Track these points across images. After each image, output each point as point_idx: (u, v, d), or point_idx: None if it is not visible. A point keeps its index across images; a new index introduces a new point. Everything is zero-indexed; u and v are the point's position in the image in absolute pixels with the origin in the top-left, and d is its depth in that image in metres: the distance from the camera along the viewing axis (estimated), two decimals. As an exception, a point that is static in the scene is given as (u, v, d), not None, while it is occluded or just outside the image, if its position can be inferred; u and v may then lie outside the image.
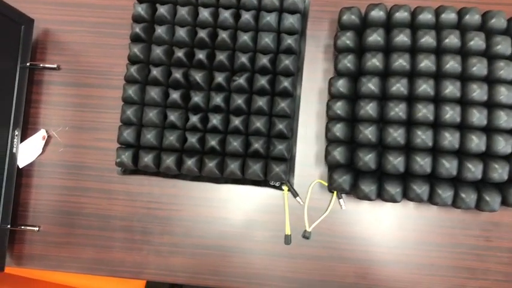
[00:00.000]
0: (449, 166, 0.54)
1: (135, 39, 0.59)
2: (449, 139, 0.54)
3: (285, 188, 0.60)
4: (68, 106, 0.63)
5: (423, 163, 0.54)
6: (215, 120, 0.57)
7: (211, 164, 0.56)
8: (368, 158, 0.55)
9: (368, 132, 0.55)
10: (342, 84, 0.57)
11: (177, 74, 0.58)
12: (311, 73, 0.62)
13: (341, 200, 0.60)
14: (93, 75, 0.62)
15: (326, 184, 0.60)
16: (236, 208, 0.61)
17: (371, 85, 0.56)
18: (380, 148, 0.56)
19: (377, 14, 0.57)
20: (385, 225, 0.59)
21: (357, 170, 0.57)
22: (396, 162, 0.54)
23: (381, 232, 0.59)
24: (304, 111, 0.62)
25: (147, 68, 0.59)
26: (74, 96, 0.62)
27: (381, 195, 0.55)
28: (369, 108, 0.55)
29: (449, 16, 0.57)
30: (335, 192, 0.59)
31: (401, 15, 0.57)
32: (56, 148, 0.62)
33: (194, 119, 0.58)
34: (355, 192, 0.56)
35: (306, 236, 0.60)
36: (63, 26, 0.65)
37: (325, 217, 0.60)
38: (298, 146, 0.61)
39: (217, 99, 0.58)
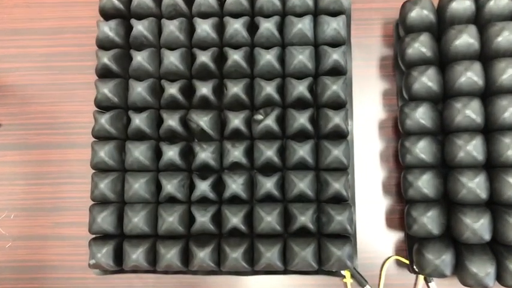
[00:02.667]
0: None
1: (103, 73, 0.40)
2: None
3: (346, 273, 0.40)
4: (14, 179, 0.44)
5: None
6: (235, 185, 0.38)
7: (235, 255, 0.37)
8: (479, 225, 0.35)
9: (475, 186, 0.36)
10: (422, 114, 0.37)
11: (172, 121, 0.38)
12: (363, 99, 0.43)
13: (432, 284, 0.40)
14: (48, 131, 0.45)
15: (406, 262, 0.40)
16: (277, 311, 0.41)
17: (471, 112, 0.36)
18: (485, 206, 0.37)
19: (461, 5, 0.38)
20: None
21: (459, 243, 0.37)
22: (524, 228, 0.35)
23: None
24: (359, 156, 0.42)
25: (125, 116, 0.40)
26: (22, 164, 0.44)
27: (502, 279, 0.36)
28: (472, 149, 0.36)
29: None
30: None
31: (499, 3, 0.38)
32: (2, 244, 0.42)
33: (203, 186, 0.38)
34: (459, 275, 0.37)
35: None
36: (1, 64, 0.45)
37: (410, 311, 0.40)
38: (357, 208, 0.41)
39: (235, 153, 0.38)
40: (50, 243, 0.43)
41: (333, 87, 0.38)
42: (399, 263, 0.41)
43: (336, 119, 0.38)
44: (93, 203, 0.39)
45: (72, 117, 0.44)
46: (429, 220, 0.37)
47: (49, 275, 0.42)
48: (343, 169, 0.38)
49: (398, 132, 0.41)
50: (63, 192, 0.43)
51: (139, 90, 0.39)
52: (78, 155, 0.44)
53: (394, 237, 0.41)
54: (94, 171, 0.40)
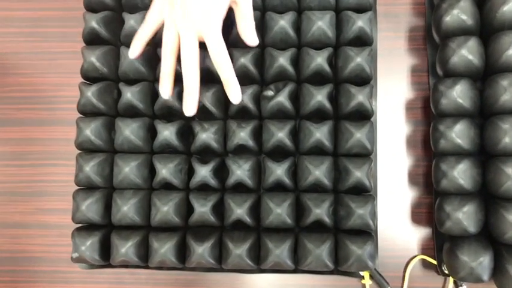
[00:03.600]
0: None
1: (91, 39, 0.36)
2: None
3: (365, 274, 0.35)
4: (-9, 159, 0.39)
5: None
6: (240, 171, 0.33)
7: (239, 251, 0.32)
8: (525, 224, 0.30)
9: (522, 177, 0.30)
10: (460, 92, 0.32)
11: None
12: (389, 76, 0.38)
13: (462, 288, 0.35)
14: (30, 106, 0.41)
15: (434, 262, 0.35)
16: (285, 315, 0.36)
17: (519, 91, 0.31)
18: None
19: (509, -35, 0.33)
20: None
21: (499, 243, 0.32)
22: None
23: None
24: (383, 141, 0.37)
25: (115, 89, 0.35)
26: (1, 143, 0.39)
27: (548, 286, 0.31)
28: (520, 134, 0.31)
29: None
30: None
31: (555, -37, 0.32)
32: (-24, 231, 0.38)
33: (203, 171, 0.33)
34: (498, 281, 0.32)
35: None
36: (-21, 29, 0.41)
37: (437, 318, 0.36)
38: (379, 200, 0.36)
39: (241, 134, 0.33)
40: (31, 232, 0.39)
41: (357, 59, 0.33)
42: (425, 264, 0.37)
43: (359, 96, 0.33)
44: (78, 188, 0.35)
45: (58, 90, 0.41)
46: (465, 216, 0.32)
47: (29, 268, 0.39)
48: (366, 155, 0.34)
49: (428, 114, 0.37)
50: (47, 174, 0.40)
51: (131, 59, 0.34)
52: (63, 134, 0.40)
53: (420, 234, 0.37)
54: (79, 151, 0.35)
